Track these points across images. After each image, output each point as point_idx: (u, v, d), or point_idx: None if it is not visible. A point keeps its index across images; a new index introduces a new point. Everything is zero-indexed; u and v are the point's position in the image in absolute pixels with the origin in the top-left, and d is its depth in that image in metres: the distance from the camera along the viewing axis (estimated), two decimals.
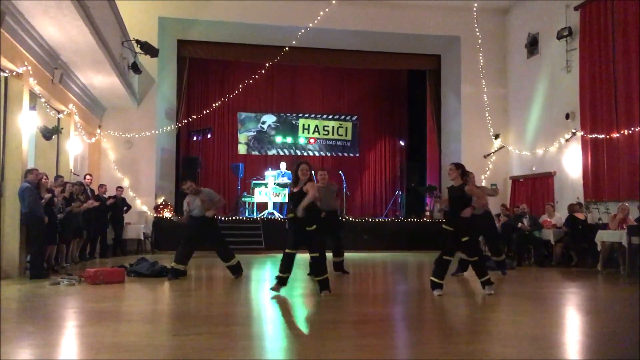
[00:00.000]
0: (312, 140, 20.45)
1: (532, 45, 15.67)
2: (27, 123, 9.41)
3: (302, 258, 7.81)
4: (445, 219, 7.63)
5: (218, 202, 9.53)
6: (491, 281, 7.44)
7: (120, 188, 14.07)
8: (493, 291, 7.36)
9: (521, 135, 16.16)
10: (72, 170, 12.64)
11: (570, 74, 13.92)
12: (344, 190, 16.92)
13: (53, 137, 11.14)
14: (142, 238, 14.62)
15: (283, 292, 7.29)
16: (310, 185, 7.16)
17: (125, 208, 13.92)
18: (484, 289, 7.41)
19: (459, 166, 7.49)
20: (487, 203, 9.67)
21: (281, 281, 7.29)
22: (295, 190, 7.24)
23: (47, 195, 9.49)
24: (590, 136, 12.99)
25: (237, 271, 9.22)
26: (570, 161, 13.85)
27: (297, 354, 4.47)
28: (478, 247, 8.30)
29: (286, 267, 7.27)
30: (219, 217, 15.63)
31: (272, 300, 7.00)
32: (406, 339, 5.17)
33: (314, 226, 7.25)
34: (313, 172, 7.92)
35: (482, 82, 16.56)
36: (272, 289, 7.25)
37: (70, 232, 10.62)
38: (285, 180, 16.52)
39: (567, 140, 13.98)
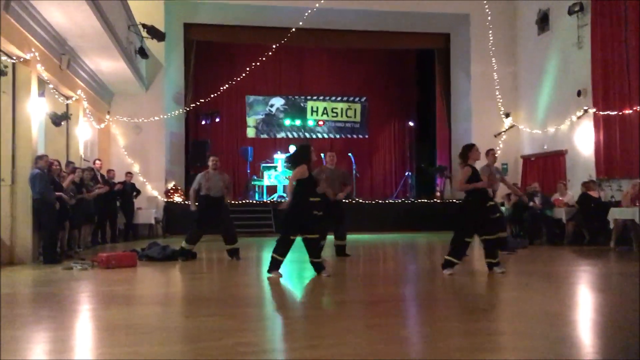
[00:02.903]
0: (320, 123, 20.37)
1: (543, 21, 15.42)
2: (36, 109, 9.43)
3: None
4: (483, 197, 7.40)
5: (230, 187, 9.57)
6: (499, 261, 7.39)
7: (129, 173, 14.07)
8: (504, 269, 7.33)
9: (532, 113, 15.99)
10: (82, 156, 12.69)
11: (581, 50, 13.70)
12: (354, 173, 16.87)
13: (62, 123, 11.18)
14: (154, 222, 14.70)
15: (290, 274, 7.30)
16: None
17: (134, 193, 13.94)
18: (491, 269, 7.35)
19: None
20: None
21: (278, 265, 7.14)
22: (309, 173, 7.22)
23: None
24: (602, 113, 12.82)
25: (235, 254, 9.14)
26: (582, 139, 13.70)
27: (308, 334, 4.48)
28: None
29: (285, 251, 7.14)
30: (230, 201, 15.72)
31: (282, 282, 7.01)
32: (417, 318, 5.18)
33: (320, 212, 7.28)
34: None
35: (492, 60, 16.37)
36: (270, 273, 7.09)
37: (81, 217, 10.69)
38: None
39: (578, 118, 13.82)
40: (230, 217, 9.47)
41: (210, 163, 9.30)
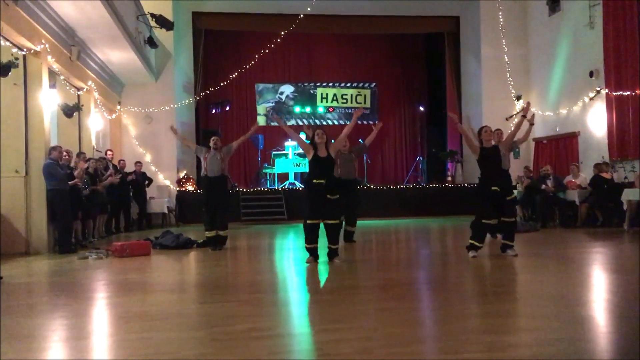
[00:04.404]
0: (330, 109, 20.29)
1: (554, 2, 15.23)
2: (47, 101, 9.50)
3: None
4: (491, 182, 7.29)
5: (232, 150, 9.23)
6: (513, 244, 7.40)
7: (139, 163, 14.10)
8: (517, 253, 7.32)
9: (544, 95, 15.85)
10: (95, 147, 12.78)
11: (593, 30, 13.52)
12: (365, 158, 16.85)
13: (74, 114, 11.25)
14: (167, 211, 14.81)
15: (302, 260, 7.32)
16: (332, 146, 7.22)
17: (146, 182, 14.04)
18: (504, 251, 7.36)
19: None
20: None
21: (313, 252, 7.26)
22: (321, 155, 7.21)
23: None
24: (615, 94, 12.68)
25: (221, 243, 8.96)
26: (595, 120, 13.57)
27: (321, 318, 4.52)
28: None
29: (312, 237, 7.21)
30: (241, 189, 15.81)
31: (295, 268, 7.05)
32: (429, 301, 5.19)
33: (337, 195, 7.27)
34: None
35: (502, 43, 16.20)
36: (307, 262, 7.21)
37: (95, 207, 10.80)
38: None
39: (591, 99, 13.68)
40: (227, 202, 9.26)
41: (210, 143, 9.04)
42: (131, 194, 13.29)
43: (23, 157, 9.09)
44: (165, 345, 3.74)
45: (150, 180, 14.24)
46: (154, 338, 3.90)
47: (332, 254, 7.24)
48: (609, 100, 12.93)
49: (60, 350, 3.79)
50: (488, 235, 8.16)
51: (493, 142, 7.48)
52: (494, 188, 7.18)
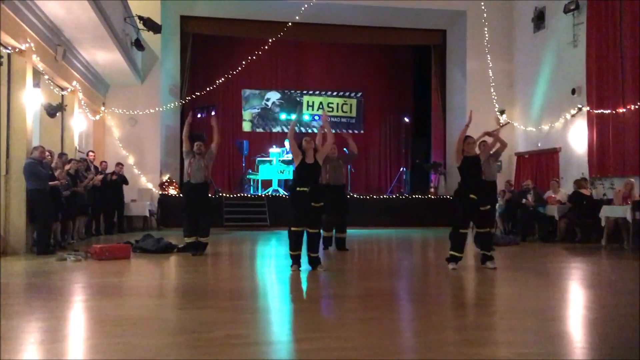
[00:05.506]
0: (316, 117, 20.31)
1: (539, 19, 15.45)
2: (31, 100, 9.40)
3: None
4: (469, 190, 7.39)
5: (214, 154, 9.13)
6: (493, 256, 7.48)
7: (120, 164, 13.89)
8: (496, 265, 7.39)
9: (527, 111, 16.04)
10: (77, 148, 12.66)
11: (577, 48, 13.74)
12: (349, 167, 16.90)
13: (57, 114, 11.15)
14: (148, 215, 14.69)
15: (284, 268, 7.33)
16: (319, 153, 7.26)
17: (124, 185, 13.75)
18: (484, 263, 7.44)
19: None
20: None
21: (296, 260, 7.27)
22: (308, 162, 7.23)
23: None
24: (596, 111, 12.87)
25: (201, 249, 8.86)
26: (576, 137, 13.76)
27: (300, 327, 4.52)
28: (493, 217, 8.39)
29: (297, 244, 7.23)
30: (224, 194, 15.75)
31: (276, 275, 7.04)
32: (410, 312, 5.21)
33: (322, 203, 7.30)
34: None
35: (487, 57, 16.39)
36: (292, 269, 7.21)
37: (76, 208, 10.68)
38: (290, 157, 16.49)
39: (572, 116, 13.88)
40: (209, 209, 9.18)
41: (194, 148, 8.98)
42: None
43: (4, 156, 8.97)
44: (142, 350, 3.71)
45: (127, 182, 13.84)
46: (131, 343, 3.87)
47: (314, 262, 7.25)
48: (590, 117, 13.12)
49: (35, 352, 3.75)
50: (473, 247, 8.24)
51: (477, 152, 7.65)
52: (471, 196, 7.28)
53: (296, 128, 19.73)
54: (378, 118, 20.99)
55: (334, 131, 8.23)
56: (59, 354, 3.68)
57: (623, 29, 12.27)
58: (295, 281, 6.68)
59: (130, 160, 15.14)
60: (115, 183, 13.20)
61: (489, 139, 8.82)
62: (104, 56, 12.41)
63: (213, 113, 18.00)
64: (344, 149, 11.24)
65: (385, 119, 21.01)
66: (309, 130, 20.09)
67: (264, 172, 16.77)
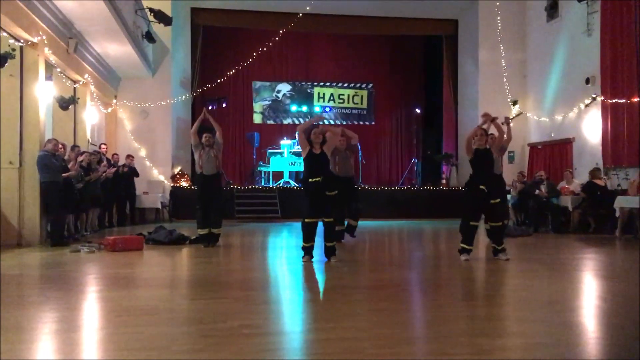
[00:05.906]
0: (327, 109, 20.27)
1: (552, 8, 15.27)
2: (43, 93, 9.47)
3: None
4: (479, 181, 7.36)
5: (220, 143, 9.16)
6: (504, 248, 7.45)
7: (130, 156, 13.93)
8: (509, 257, 7.36)
9: (540, 101, 15.89)
10: (89, 140, 12.74)
11: (591, 37, 13.56)
12: (360, 159, 16.86)
13: (69, 107, 11.21)
14: (160, 207, 14.77)
15: (297, 259, 7.34)
16: (327, 144, 7.26)
17: (134, 177, 13.81)
18: (496, 255, 7.41)
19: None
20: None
21: (309, 251, 7.29)
22: (315, 152, 7.23)
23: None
24: (610, 101, 12.73)
25: (214, 241, 8.90)
26: (590, 127, 13.62)
27: (312, 317, 4.53)
28: (506, 211, 8.38)
29: (309, 236, 7.26)
30: (236, 187, 15.79)
31: (288, 266, 7.05)
32: (421, 303, 5.21)
33: (335, 191, 7.30)
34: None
35: (500, 47, 16.24)
36: (304, 260, 7.23)
37: (89, 200, 10.76)
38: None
39: (586, 106, 13.73)
40: (221, 200, 9.23)
41: (203, 140, 9.02)
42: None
43: (17, 148, 9.05)
44: (156, 340, 3.74)
45: (137, 175, 13.85)
46: (144, 332, 3.90)
47: (329, 252, 7.26)
48: (604, 107, 12.98)
49: (49, 342, 3.79)
50: (485, 239, 8.20)
51: (487, 146, 7.61)
52: (481, 187, 7.25)
53: (307, 119, 19.85)
54: (389, 109, 20.90)
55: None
56: (73, 343, 3.72)
57: (638, 17, 12.09)
58: (307, 272, 6.69)
59: (142, 152, 15.22)
60: (126, 175, 13.27)
61: (493, 129, 8.62)
62: (116, 49, 12.45)
63: (224, 105, 18.14)
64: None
65: (396, 110, 20.92)
66: (320, 123, 20.03)
67: (275, 164, 16.79)
